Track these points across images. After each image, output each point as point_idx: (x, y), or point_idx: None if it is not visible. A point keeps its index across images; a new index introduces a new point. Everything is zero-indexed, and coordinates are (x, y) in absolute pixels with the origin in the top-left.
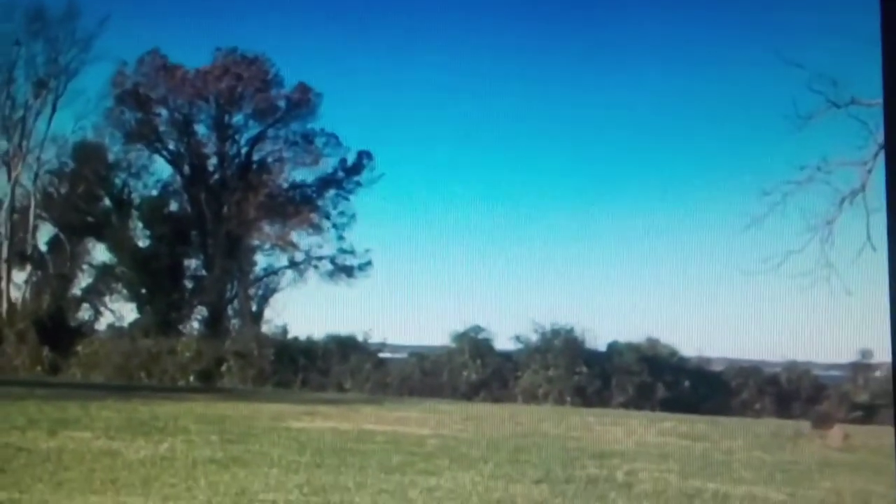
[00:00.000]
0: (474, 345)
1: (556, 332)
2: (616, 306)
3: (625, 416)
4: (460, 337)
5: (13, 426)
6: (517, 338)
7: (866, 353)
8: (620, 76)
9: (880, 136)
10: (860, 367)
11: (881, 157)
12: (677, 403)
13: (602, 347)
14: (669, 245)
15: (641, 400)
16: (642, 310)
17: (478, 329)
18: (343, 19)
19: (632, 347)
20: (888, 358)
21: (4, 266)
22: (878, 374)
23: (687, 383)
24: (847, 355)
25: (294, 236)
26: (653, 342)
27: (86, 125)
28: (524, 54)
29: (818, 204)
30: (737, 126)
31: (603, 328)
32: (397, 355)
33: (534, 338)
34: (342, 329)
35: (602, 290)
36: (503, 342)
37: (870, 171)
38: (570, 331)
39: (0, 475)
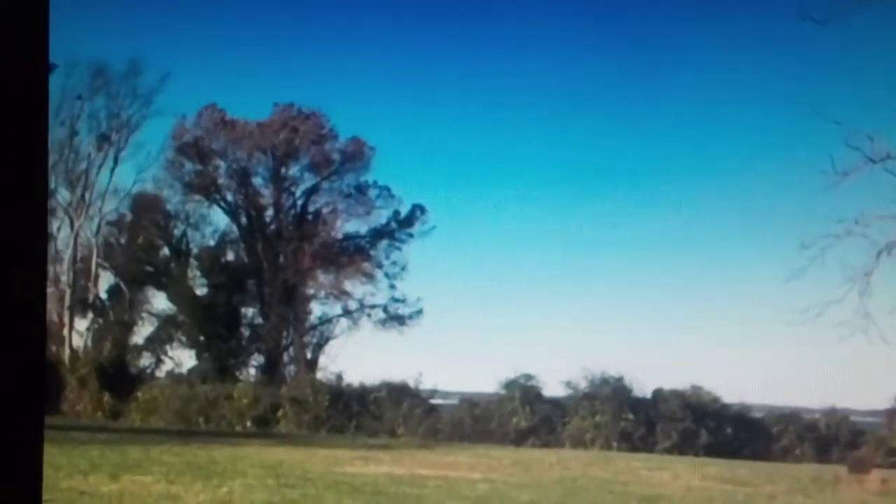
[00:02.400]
0: (524, 392)
1: (604, 381)
2: (661, 355)
3: (670, 462)
4: (510, 384)
5: (76, 470)
6: (567, 383)
7: None
8: (666, 137)
9: None
10: None
11: None
12: (720, 449)
13: (647, 394)
14: (713, 296)
15: (685, 446)
16: (686, 358)
17: (527, 376)
18: (398, 75)
19: (676, 394)
20: None
21: (67, 314)
22: None
23: (729, 429)
24: (884, 402)
25: (348, 285)
26: (696, 389)
27: (146, 177)
28: (571, 112)
29: (856, 256)
30: (777, 181)
31: (648, 376)
32: (448, 402)
33: (583, 384)
34: (395, 376)
35: (647, 339)
36: (551, 389)
37: None
38: (619, 379)
39: None
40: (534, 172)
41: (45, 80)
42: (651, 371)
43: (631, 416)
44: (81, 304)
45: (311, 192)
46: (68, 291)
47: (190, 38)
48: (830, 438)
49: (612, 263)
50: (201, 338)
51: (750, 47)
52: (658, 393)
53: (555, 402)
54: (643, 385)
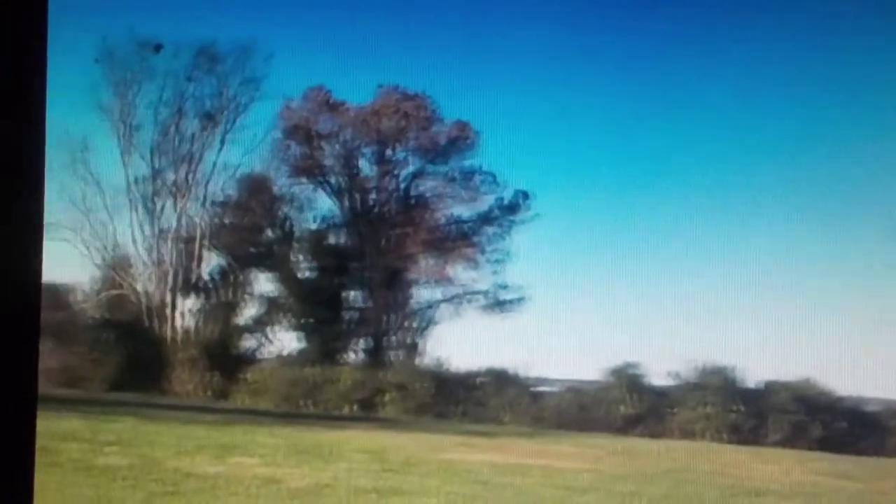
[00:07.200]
0: (630, 380)
1: (714, 371)
2: (772, 345)
3: (780, 455)
4: (616, 372)
5: (183, 451)
6: (675, 373)
7: None
8: (759, 120)
9: None
10: None
11: None
12: (833, 443)
13: (758, 386)
14: (825, 285)
15: (797, 439)
16: (798, 349)
17: (632, 365)
18: (504, 58)
19: (788, 386)
20: None
21: (170, 295)
22: None
23: (843, 423)
24: None
25: (451, 271)
26: (808, 382)
27: (252, 158)
28: (688, 102)
29: None
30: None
31: (759, 366)
32: (552, 389)
33: (691, 374)
34: (498, 363)
35: (758, 329)
36: (658, 378)
37: None
38: (729, 369)
39: (171, 498)
40: (643, 158)
41: (43, 80)
42: (762, 362)
43: (741, 408)
44: (186, 284)
45: (416, 176)
46: (171, 272)
47: (294, 19)
48: None
49: (722, 254)
50: (305, 320)
51: (838, 30)
52: (769, 384)
53: (662, 392)
54: (753, 376)
